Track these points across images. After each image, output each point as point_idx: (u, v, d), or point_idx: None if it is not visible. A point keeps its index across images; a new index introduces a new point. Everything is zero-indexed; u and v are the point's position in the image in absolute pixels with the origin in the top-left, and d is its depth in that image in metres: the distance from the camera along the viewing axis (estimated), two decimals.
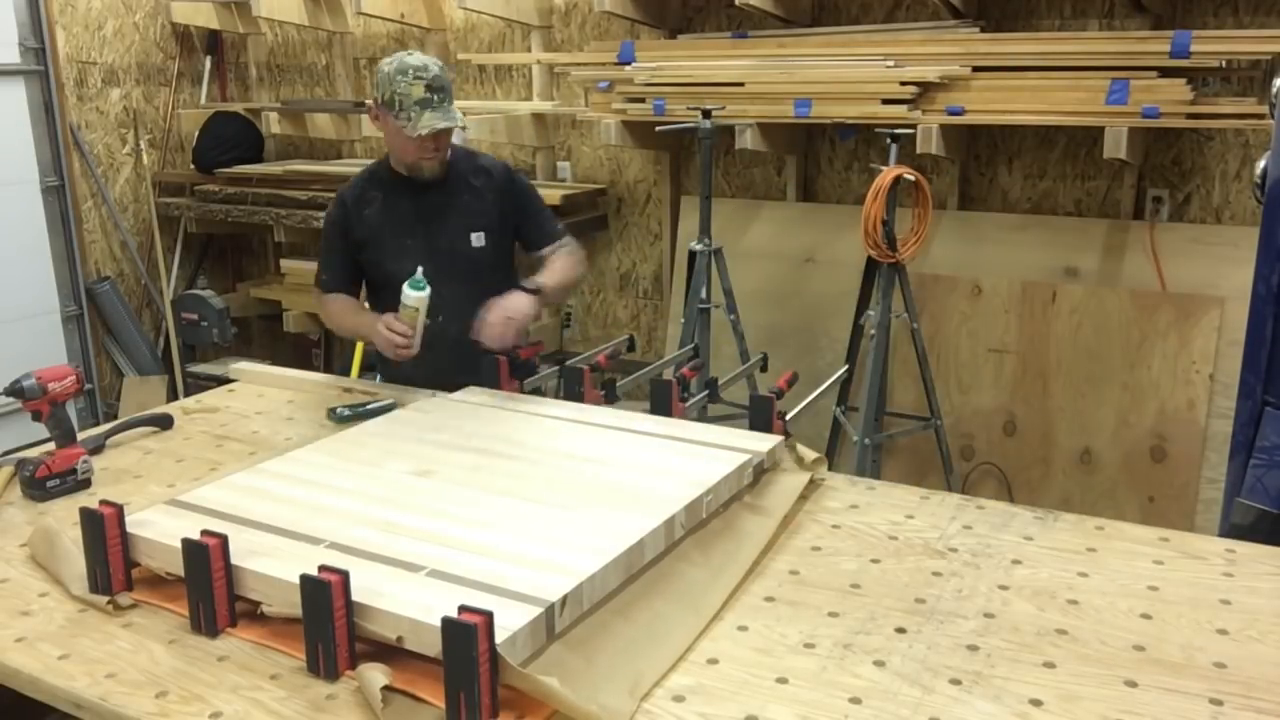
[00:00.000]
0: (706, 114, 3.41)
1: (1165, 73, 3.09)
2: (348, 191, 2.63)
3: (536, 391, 2.37)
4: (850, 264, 3.66)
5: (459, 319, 2.37)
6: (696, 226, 3.54)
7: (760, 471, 1.90)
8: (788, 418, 2.11)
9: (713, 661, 1.37)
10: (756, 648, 1.41)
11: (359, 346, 4.35)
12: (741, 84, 3.62)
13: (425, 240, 2.56)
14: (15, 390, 1.96)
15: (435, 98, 2.39)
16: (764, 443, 1.94)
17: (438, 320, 2.40)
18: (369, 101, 2.52)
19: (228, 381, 2.75)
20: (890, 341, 3.37)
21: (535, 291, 2.43)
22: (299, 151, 5.32)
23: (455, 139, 2.60)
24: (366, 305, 2.69)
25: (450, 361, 2.40)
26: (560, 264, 2.61)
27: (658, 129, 3.64)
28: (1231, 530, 2.06)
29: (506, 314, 2.31)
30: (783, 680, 1.33)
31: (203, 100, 5.38)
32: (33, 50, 4.55)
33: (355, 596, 1.34)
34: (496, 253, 2.62)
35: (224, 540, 1.44)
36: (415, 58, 2.42)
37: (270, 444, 2.20)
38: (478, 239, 2.58)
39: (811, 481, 1.89)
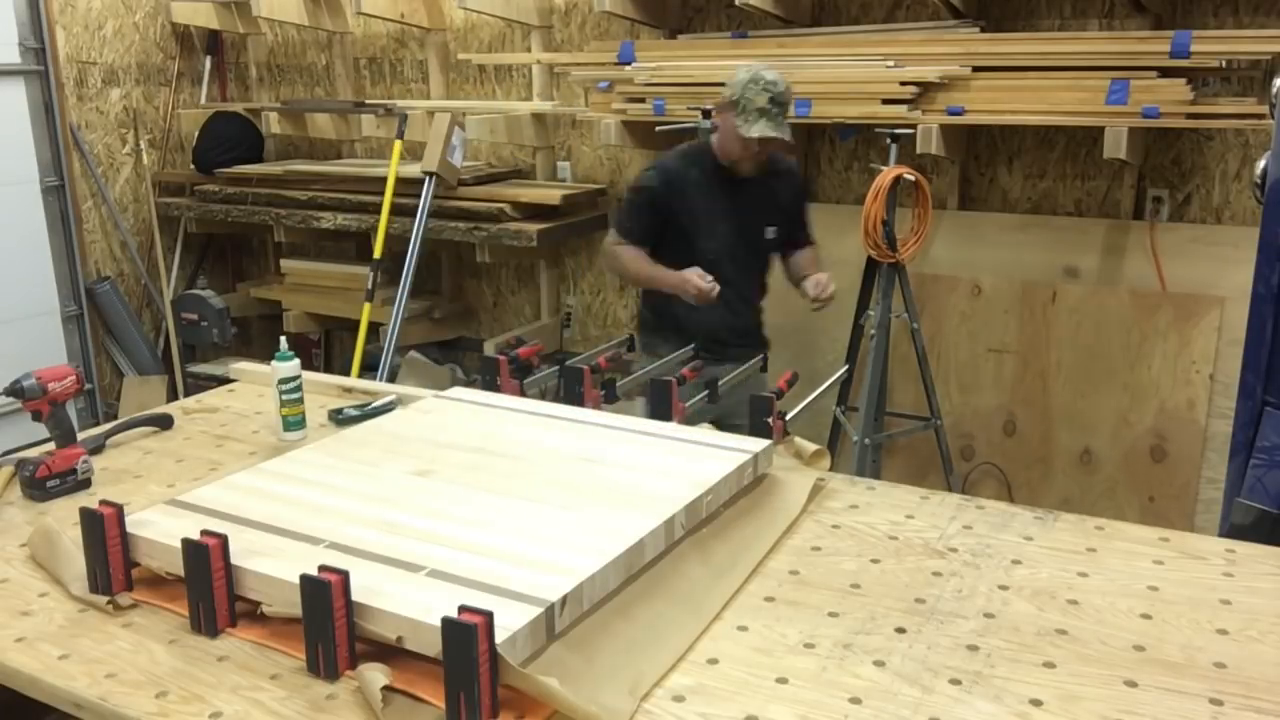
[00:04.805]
0: (706, 114, 3.41)
1: (1165, 73, 3.09)
2: (670, 165, 3.01)
3: (539, 395, 2.37)
4: (850, 264, 3.65)
5: (743, 294, 3.07)
6: None
7: (761, 476, 1.89)
8: (787, 418, 2.11)
9: (713, 661, 1.37)
10: (756, 648, 1.41)
11: (359, 347, 4.34)
12: None
13: (734, 226, 3.01)
14: (15, 390, 1.96)
15: (774, 109, 2.80)
16: (755, 445, 1.91)
17: (726, 288, 2.91)
18: (713, 104, 2.98)
19: (228, 381, 2.75)
20: (890, 341, 3.37)
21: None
22: (299, 151, 5.32)
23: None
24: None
25: (725, 323, 3.00)
26: (811, 261, 3.15)
27: (658, 129, 3.64)
28: (1231, 530, 2.06)
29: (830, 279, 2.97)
30: (783, 680, 1.33)
31: (203, 100, 5.38)
32: (33, 50, 4.55)
33: (355, 596, 1.34)
34: (778, 244, 3.13)
35: (224, 540, 1.44)
36: (770, 73, 2.82)
37: (270, 444, 2.20)
38: (771, 231, 3.08)
39: (816, 485, 1.89)
